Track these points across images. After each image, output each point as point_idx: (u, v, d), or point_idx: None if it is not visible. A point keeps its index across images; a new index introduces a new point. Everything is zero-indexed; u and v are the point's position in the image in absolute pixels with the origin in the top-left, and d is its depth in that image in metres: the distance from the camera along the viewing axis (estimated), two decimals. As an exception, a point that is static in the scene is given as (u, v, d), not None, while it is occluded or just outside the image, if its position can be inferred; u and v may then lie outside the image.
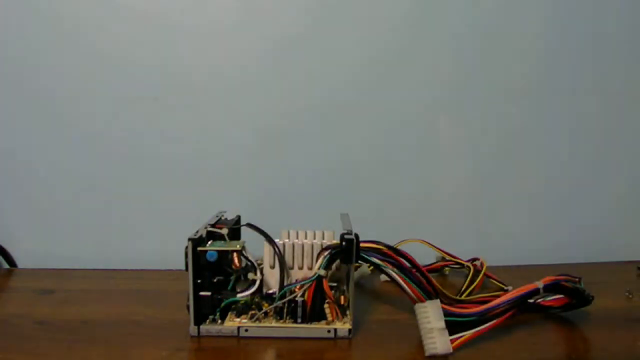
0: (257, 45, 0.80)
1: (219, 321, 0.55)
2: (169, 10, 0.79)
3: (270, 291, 0.57)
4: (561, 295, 0.57)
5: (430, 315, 0.50)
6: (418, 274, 0.53)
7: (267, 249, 0.57)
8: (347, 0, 0.80)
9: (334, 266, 0.57)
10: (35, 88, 0.79)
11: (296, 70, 0.80)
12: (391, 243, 0.55)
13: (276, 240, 0.58)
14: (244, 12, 0.79)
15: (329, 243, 0.56)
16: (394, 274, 0.53)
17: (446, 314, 0.51)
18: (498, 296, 0.54)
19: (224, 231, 0.57)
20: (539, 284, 0.54)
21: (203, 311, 0.54)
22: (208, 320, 0.55)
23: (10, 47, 0.78)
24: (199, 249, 0.53)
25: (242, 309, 0.55)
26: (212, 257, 0.53)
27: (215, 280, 0.55)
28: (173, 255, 0.64)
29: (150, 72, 0.79)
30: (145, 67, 0.79)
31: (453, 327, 0.50)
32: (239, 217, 0.65)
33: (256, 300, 0.56)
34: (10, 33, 0.78)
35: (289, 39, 0.80)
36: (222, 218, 0.63)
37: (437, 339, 0.49)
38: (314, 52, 0.80)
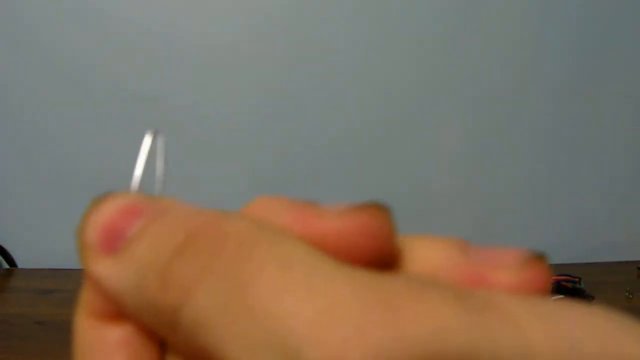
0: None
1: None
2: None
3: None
4: (561, 296, 0.57)
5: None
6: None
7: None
8: None
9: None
10: (35, 89, 0.79)
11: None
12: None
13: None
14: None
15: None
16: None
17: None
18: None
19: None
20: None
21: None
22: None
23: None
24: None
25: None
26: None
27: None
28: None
29: (151, 71, 0.79)
30: (143, 73, 0.79)
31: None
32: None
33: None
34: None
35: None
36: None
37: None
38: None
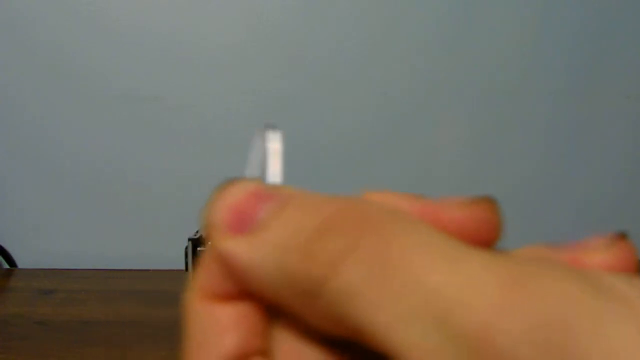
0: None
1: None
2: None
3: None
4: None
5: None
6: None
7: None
8: None
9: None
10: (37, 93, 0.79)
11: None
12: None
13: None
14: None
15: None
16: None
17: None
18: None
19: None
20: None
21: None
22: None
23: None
24: (199, 249, 0.53)
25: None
26: (212, 257, 0.53)
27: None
28: (173, 255, 0.64)
29: (151, 72, 0.79)
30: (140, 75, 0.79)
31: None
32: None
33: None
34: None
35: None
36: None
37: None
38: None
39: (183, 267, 0.53)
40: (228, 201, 0.14)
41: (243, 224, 0.14)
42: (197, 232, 0.55)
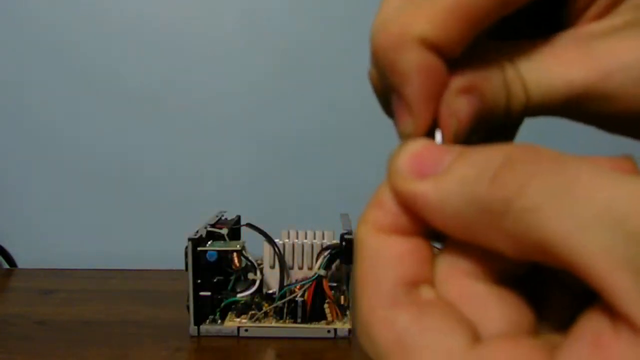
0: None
1: (219, 321, 0.55)
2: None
3: (270, 291, 0.57)
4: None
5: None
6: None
7: (267, 249, 0.57)
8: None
9: (333, 266, 0.57)
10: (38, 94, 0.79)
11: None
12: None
13: (276, 240, 0.58)
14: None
15: (329, 243, 0.56)
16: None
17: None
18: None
19: (224, 231, 0.57)
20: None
21: (203, 311, 0.55)
22: (208, 320, 0.55)
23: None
24: (199, 249, 0.53)
25: (242, 309, 0.55)
26: (212, 257, 0.53)
27: (215, 280, 0.55)
28: (173, 255, 0.64)
29: (152, 71, 0.79)
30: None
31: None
32: (239, 217, 0.65)
33: (256, 300, 0.56)
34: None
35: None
36: (222, 218, 0.63)
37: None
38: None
39: (183, 267, 0.53)
40: (411, 152, 0.17)
41: (426, 169, 0.16)
42: (197, 232, 0.55)
